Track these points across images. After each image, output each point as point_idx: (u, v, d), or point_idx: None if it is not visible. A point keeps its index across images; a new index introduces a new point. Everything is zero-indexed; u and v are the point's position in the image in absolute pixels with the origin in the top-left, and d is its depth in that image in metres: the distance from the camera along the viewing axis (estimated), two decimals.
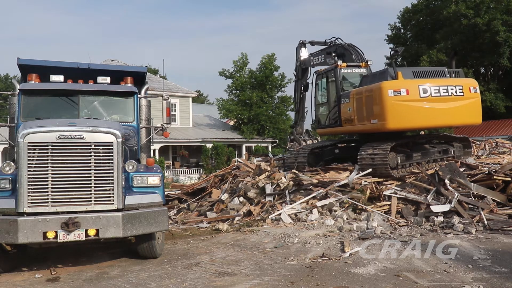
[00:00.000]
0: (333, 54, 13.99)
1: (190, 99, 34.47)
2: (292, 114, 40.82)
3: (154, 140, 9.44)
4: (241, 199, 11.37)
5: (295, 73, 17.10)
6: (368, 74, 12.51)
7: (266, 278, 5.80)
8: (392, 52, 11.86)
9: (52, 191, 5.95)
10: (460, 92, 11.02)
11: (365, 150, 10.97)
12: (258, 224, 9.59)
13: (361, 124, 11.45)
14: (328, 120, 13.25)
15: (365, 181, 10.47)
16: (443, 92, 10.80)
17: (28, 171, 5.90)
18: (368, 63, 13.06)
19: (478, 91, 11.51)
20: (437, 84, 10.81)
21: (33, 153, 5.94)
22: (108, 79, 7.68)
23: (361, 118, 11.38)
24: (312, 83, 13.95)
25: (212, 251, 7.53)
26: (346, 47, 13.90)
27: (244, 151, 34.62)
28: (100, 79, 7.68)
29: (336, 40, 14.63)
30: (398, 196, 9.89)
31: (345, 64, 12.76)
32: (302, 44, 16.53)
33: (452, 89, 10.93)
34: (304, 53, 16.41)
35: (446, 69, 11.48)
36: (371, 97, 10.93)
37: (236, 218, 10.40)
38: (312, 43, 16.40)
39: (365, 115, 11.20)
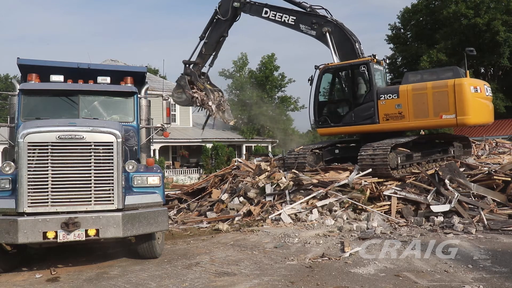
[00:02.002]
0: (324, 30, 12.62)
1: None
2: (292, 114, 40.84)
3: (154, 140, 9.43)
4: (241, 199, 11.36)
5: (218, 6, 14.15)
6: (419, 70, 12.76)
7: (266, 278, 5.80)
8: (467, 51, 12.16)
9: (52, 191, 5.95)
10: (491, 93, 12.39)
11: (365, 151, 10.96)
12: (258, 224, 9.59)
13: (420, 120, 11.40)
14: (350, 118, 12.27)
15: (365, 181, 10.47)
16: (491, 93, 12.32)
17: (28, 171, 5.90)
18: (387, 61, 12.83)
19: None
20: (487, 85, 12.00)
21: (33, 153, 5.94)
22: (108, 79, 7.68)
23: (422, 114, 11.34)
24: (314, 77, 12.51)
25: (212, 251, 7.53)
26: (342, 27, 12.62)
27: (244, 151, 34.64)
28: (100, 79, 7.68)
29: (323, 11, 13.00)
30: (398, 196, 9.89)
31: (375, 59, 12.16)
32: None
33: (491, 90, 12.35)
34: None
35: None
36: (445, 93, 11.04)
37: (236, 218, 10.40)
38: None
39: (431, 111, 11.22)
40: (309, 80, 12.65)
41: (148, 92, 8.40)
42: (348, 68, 12.44)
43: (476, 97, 11.02)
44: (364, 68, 12.08)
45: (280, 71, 37.72)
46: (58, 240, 5.88)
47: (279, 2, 13.98)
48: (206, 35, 14.69)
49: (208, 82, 14.90)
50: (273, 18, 13.47)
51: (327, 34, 12.70)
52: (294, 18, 13.25)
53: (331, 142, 13.59)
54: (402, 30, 40.54)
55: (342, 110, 12.66)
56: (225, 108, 14.82)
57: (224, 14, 14.21)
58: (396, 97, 11.64)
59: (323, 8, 13.33)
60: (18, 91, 7.30)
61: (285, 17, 13.29)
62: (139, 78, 8.52)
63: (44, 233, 5.81)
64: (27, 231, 5.74)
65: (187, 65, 14.82)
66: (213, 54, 14.80)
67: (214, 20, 14.58)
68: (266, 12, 13.58)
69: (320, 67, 12.61)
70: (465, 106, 10.82)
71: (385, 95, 11.79)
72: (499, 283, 5.32)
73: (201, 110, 15.20)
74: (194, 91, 14.52)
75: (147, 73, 9.31)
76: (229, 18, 14.23)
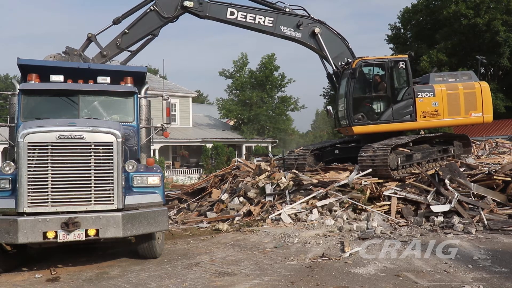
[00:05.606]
0: (316, 31, 11.82)
1: (190, 99, 34.48)
2: (292, 114, 40.88)
3: (154, 140, 9.42)
4: (241, 199, 11.36)
5: None
6: (443, 72, 13.48)
7: (266, 278, 5.80)
8: (481, 60, 13.89)
9: (52, 191, 5.95)
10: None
11: (365, 152, 10.95)
12: (258, 224, 9.59)
13: (454, 118, 12.33)
14: (389, 115, 11.88)
15: (365, 181, 10.47)
16: None
17: (28, 171, 5.90)
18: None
19: None
20: None
21: (33, 153, 5.95)
22: (108, 79, 7.67)
23: (455, 112, 12.25)
24: (352, 72, 11.57)
25: (212, 251, 7.53)
26: (329, 27, 12.01)
27: (244, 151, 34.66)
28: (100, 79, 7.67)
29: (302, 11, 11.97)
30: (398, 196, 9.90)
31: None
32: None
33: (490, 90, 13.16)
34: None
35: None
36: (474, 94, 12.30)
37: (236, 218, 10.40)
38: None
39: (462, 109, 12.26)
40: (351, 73, 11.67)
41: (148, 92, 8.40)
42: (385, 64, 11.96)
43: None
44: (403, 65, 11.99)
45: (280, 71, 37.73)
46: (58, 240, 5.88)
47: (247, 3, 11.89)
48: (129, 26, 11.50)
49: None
50: (243, 20, 11.36)
51: (319, 35, 12.05)
52: (272, 19, 11.60)
53: (331, 143, 13.60)
54: (402, 30, 40.48)
55: (379, 107, 12.11)
56: None
57: (167, 11, 11.35)
58: (432, 95, 12.09)
59: (302, 9, 12.19)
60: (18, 91, 7.29)
61: (260, 18, 11.40)
62: (139, 78, 8.52)
63: (44, 233, 5.82)
64: (27, 231, 5.74)
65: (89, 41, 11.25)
66: (132, 52, 11.73)
67: (147, 11, 11.45)
68: (232, 13, 11.32)
69: (355, 61, 11.82)
70: (489, 105, 12.38)
71: (422, 93, 12.09)
72: (499, 283, 5.32)
73: None
74: None
75: (147, 73, 9.29)
76: (170, 17, 11.41)
